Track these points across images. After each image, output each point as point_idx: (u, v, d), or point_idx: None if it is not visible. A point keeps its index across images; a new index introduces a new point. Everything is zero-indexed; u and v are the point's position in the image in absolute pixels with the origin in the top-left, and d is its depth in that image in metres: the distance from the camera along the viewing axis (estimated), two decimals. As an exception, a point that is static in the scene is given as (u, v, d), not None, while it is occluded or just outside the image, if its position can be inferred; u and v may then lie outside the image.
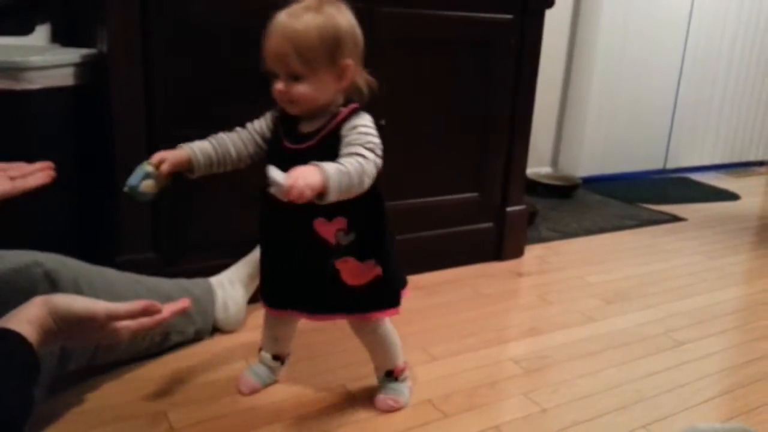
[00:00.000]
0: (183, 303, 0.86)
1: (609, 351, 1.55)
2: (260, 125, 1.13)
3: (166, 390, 1.28)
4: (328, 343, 1.49)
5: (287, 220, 1.10)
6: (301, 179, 0.89)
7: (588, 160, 3.14)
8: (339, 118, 1.05)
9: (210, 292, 1.47)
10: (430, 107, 1.85)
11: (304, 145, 1.06)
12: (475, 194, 2.00)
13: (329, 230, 1.09)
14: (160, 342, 1.38)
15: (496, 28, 1.88)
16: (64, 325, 0.73)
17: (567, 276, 2.03)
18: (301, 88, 1.01)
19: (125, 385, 1.29)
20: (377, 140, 1.04)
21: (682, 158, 3.54)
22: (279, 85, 1.02)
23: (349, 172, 0.96)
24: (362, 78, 1.09)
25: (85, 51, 1.44)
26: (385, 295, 1.18)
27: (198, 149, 1.08)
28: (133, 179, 1.01)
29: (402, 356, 1.27)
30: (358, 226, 1.09)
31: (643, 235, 2.50)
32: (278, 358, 1.31)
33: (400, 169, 1.83)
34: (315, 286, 1.15)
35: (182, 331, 1.41)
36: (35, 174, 0.98)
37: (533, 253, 2.19)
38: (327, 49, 1.00)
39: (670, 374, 1.45)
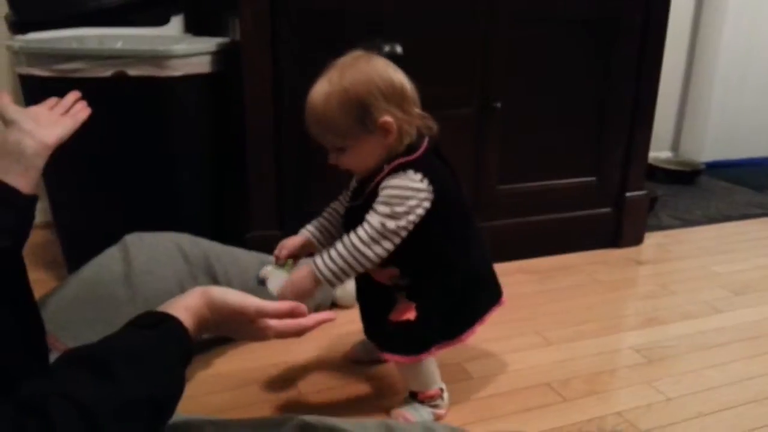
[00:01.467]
0: (328, 315, 0.85)
1: (737, 343, 1.48)
2: (344, 195, 1.17)
3: (293, 360, 1.35)
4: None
5: None
6: (292, 292, 0.98)
7: (712, 144, 2.97)
8: (378, 177, 1.02)
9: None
10: (548, 87, 1.82)
11: (354, 204, 1.08)
12: (593, 178, 1.95)
13: (383, 276, 1.09)
14: (285, 316, 1.46)
15: (620, 5, 1.81)
16: (218, 316, 0.76)
17: (690, 265, 1.94)
18: (348, 159, 1.02)
19: (252, 353, 1.37)
20: (396, 204, 0.98)
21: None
22: (331, 158, 1.04)
23: (341, 254, 0.98)
24: (414, 122, 1.02)
25: (219, 40, 1.52)
26: (407, 340, 1.11)
27: (316, 232, 1.14)
28: (272, 284, 1.06)
29: (435, 383, 1.18)
30: (412, 274, 1.08)
31: (772, 224, 2.35)
32: None
33: (515, 151, 1.82)
34: (375, 316, 1.16)
35: (304, 306, 1.48)
36: (76, 107, 1.02)
37: (653, 240, 2.11)
38: (354, 119, 0.97)
39: (806, 370, 1.37)
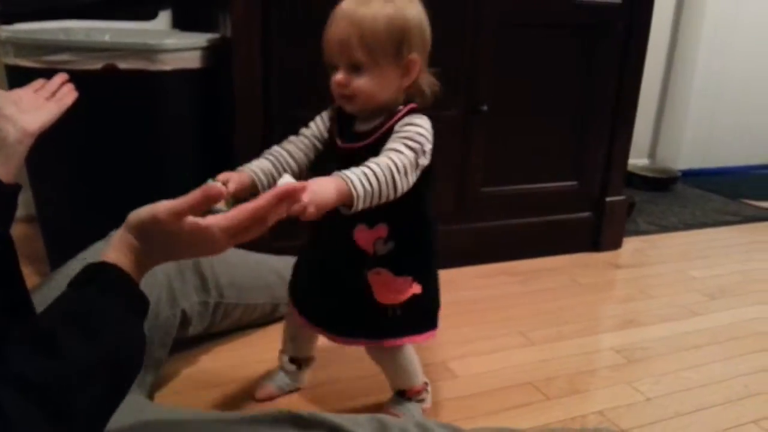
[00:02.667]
0: (290, 186, 0.72)
1: (714, 345, 1.52)
2: (317, 127, 1.06)
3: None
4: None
5: (327, 226, 0.99)
6: (313, 196, 0.78)
7: (688, 152, 3.04)
8: (398, 115, 0.96)
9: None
10: (532, 92, 1.85)
11: (359, 144, 0.98)
12: (574, 183, 1.98)
13: (368, 238, 1.01)
14: (270, 312, 1.46)
15: (604, 12, 1.85)
16: (145, 235, 0.69)
17: (667, 270, 1.98)
18: (362, 81, 0.93)
19: (238, 350, 1.37)
20: (425, 141, 0.94)
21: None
22: (339, 76, 0.93)
23: (377, 175, 0.86)
24: (426, 79, 1.00)
25: (209, 35, 1.52)
26: (423, 316, 1.08)
27: (258, 169, 1.00)
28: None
29: (420, 377, 1.16)
30: (398, 236, 1.01)
31: (746, 231, 2.40)
32: (295, 361, 1.23)
33: (499, 154, 1.84)
34: (343, 303, 1.07)
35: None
36: (63, 90, 0.98)
37: (631, 245, 2.15)
38: (393, 41, 0.92)
39: (780, 372, 1.41)
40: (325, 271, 1.08)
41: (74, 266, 1.17)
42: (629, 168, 2.77)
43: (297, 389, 1.26)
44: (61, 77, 0.99)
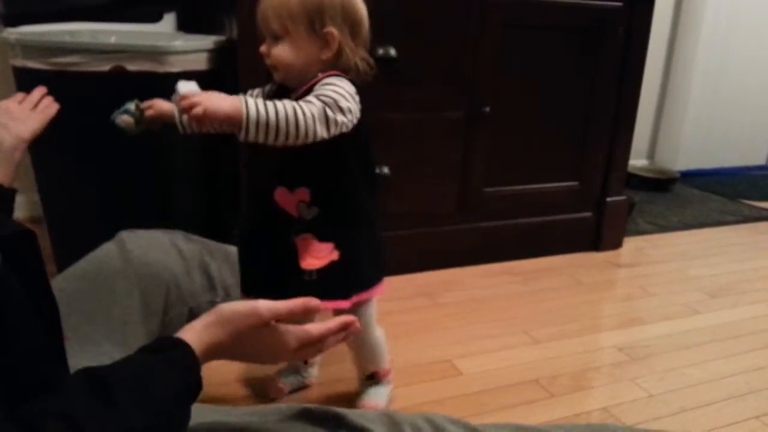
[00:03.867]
0: (350, 318, 0.79)
1: (716, 343, 1.53)
2: (257, 94, 1.10)
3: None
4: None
5: (252, 193, 1.08)
6: (208, 100, 0.87)
7: (687, 153, 3.06)
8: (315, 79, 0.98)
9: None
10: (533, 94, 1.87)
11: None
12: (575, 183, 2.00)
13: (291, 201, 1.02)
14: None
15: (604, 16, 1.87)
16: (231, 329, 0.72)
17: (668, 269, 2.00)
18: (279, 49, 0.98)
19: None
20: (339, 97, 0.94)
21: (787, 154, 3.40)
22: (262, 47, 1.00)
23: (277, 107, 0.89)
24: (356, 55, 1.01)
25: (215, 38, 1.54)
26: (337, 284, 1.05)
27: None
28: (115, 112, 1.05)
29: (387, 359, 1.21)
30: (322, 201, 1.02)
31: (744, 231, 2.43)
32: None
33: (501, 154, 1.86)
34: (270, 269, 1.07)
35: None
36: (44, 102, 1.02)
37: (631, 245, 2.17)
38: (305, 12, 0.96)
39: (781, 369, 1.43)
40: (256, 240, 1.09)
41: (83, 266, 1.18)
42: (629, 168, 2.80)
43: (306, 386, 1.27)
44: (40, 90, 1.03)
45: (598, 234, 2.08)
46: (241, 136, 0.90)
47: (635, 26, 1.92)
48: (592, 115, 1.96)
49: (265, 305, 0.73)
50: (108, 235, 1.22)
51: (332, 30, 0.97)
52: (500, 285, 1.80)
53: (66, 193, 1.54)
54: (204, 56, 1.47)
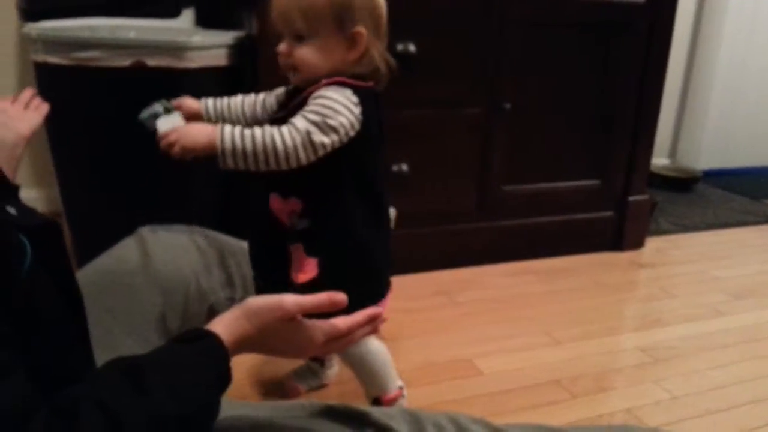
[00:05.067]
0: (377, 309, 0.80)
1: (741, 345, 1.51)
2: (269, 97, 1.07)
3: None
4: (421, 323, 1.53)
5: (254, 194, 1.03)
6: (183, 137, 0.88)
7: (709, 152, 3.01)
8: (313, 88, 0.91)
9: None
10: (554, 91, 1.84)
11: (278, 116, 0.95)
12: (596, 181, 1.98)
13: (283, 210, 0.98)
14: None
15: (627, 11, 1.84)
16: (258, 322, 0.73)
17: (690, 269, 1.97)
18: (304, 51, 0.90)
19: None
20: (331, 114, 0.88)
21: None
22: (281, 46, 0.92)
23: (255, 137, 0.86)
24: (380, 54, 0.95)
25: (235, 33, 1.53)
26: None
27: (211, 106, 1.06)
28: (144, 113, 1.02)
29: (393, 383, 1.14)
30: (313, 214, 0.96)
31: (768, 232, 2.39)
32: (316, 359, 1.26)
33: (521, 152, 1.84)
34: (276, 274, 1.03)
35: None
36: (35, 101, 1.03)
37: (653, 245, 2.14)
38: (334, 12, 0.89)
39: (809, 372, 1.40)
40: (258, 241, 1.07)
41: (103, 262, 1.18)
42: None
43: (323, 386, 1.26)
44: (29, 91, 1.04)
45: (619, 234, 2.05)
46: (221, 165, 0.88)
47: (658, 21, 1.89)
48: (613, 112, 1.93)
49: (291, 299, 0.74)
50: (127, 231, 1.23)
51: (361, 29, 0.91)
52: (520, 284, 1.78)
53: (86, 187, 1.54)
54: (223, 52, 1.46)
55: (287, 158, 0.88)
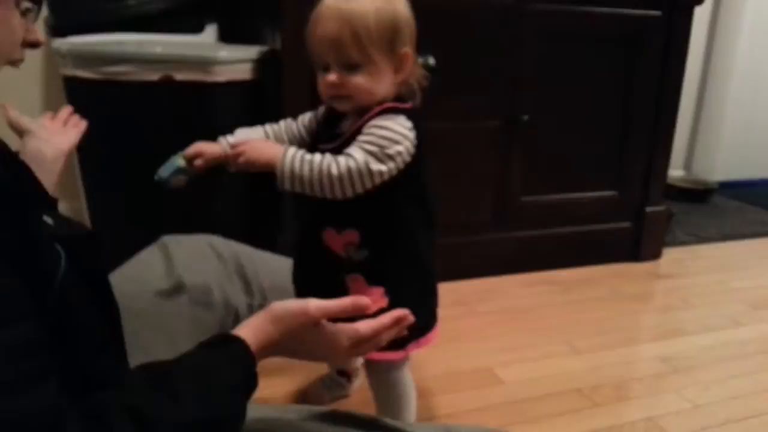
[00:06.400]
0: (403, 312, 0.78)
1: (761, 355, 1.51)
2: (309, 120, 1.03)
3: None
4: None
5: (302, 230, 1.02)
6: (251, 150, 0.88)
7: (725, 163, 3.02)
8: (366, 116, 0.90)
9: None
10: (572, 102, 1.86)
11: (331, 146, 0.92)
12: (614, 192, 1.99)
13: (339, 243, 0.96)
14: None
15: (643, 25, 1.86)
16: (283, 327, 0.73)
17: (708, 280, 1.97)
18: (359, 80, 0.88)
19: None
20: (388, 144, 0.88)
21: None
22: (331, 77, 0.88)
23: (313, 164, 0.86)
24: (417, 73, 0.95)
25: (259, 48, 1.56)
26: None
27: (270, 132, 1.02)
28: (164, 171, 0.98)
29: (411, 416, 1.09)
30: (373, 243, 0.95)
31: (786, 243, 2.38)
32: (343, 374, 1.27)
33: (539, 163, 1.86)
34: None
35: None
36: (73, 119, 1.06)
37: (670, 256, 2.14)
38: (385, 35, 0.88)
39: (830, 382, 1.40)
40: (307, 274, 1.06)
41: (128, 269, 1.21)
42: (666, 179, 2.77)
43: (346, 396, 1.28)
44: (67, 110, 1.08)
45: (637, 244, 2.06)
46: (279, 187, 0.89)
47: (674, 34, 1.91)
48: (630, 124, 1.95)
49: (315, 304, 0.74)
50: (153, 239, 1.26)
51: (408, 50, 0.90)
52: (539, 294, 1.79)
53: (113, 200, 1.57)
54: (248, 66, 1.49)
55: (342, 189, 0.87)
